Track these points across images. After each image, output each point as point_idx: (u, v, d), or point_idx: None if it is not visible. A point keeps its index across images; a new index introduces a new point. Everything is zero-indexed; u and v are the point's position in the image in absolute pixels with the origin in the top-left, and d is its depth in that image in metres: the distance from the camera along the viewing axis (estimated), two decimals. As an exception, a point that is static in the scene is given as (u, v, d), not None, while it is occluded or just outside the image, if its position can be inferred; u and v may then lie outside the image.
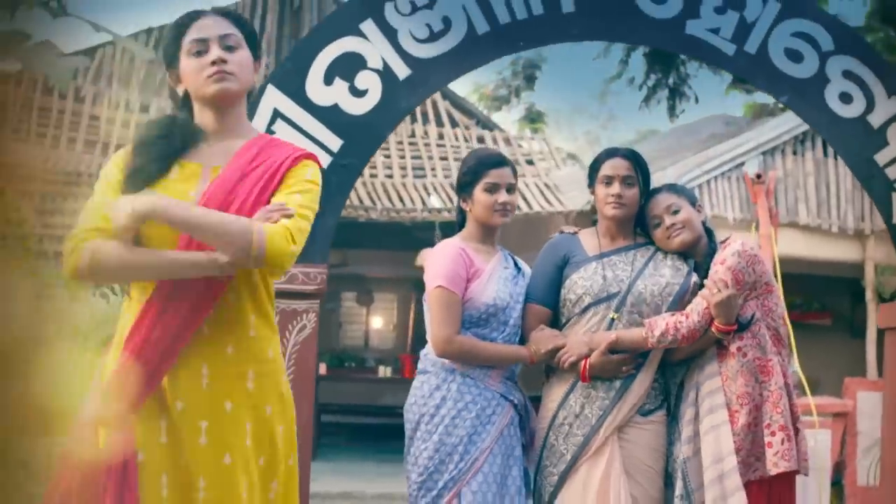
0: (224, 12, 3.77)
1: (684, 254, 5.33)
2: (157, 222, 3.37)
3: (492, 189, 5.16)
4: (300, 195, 3.56)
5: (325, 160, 5.57)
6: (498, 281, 5.16)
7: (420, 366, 5.23)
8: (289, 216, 3.46)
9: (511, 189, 5.22)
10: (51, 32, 5.50)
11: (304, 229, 3.51)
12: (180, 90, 3.76)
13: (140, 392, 3.37)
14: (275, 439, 3.58)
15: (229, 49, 3.65)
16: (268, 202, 3.52)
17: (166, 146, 3.61)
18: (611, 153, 5.38)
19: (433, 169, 16.60)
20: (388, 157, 16.46)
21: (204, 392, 3.45)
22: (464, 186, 5.26)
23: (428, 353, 5.17)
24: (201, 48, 3.66)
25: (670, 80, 20.35)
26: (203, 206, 3.45)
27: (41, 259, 6.76)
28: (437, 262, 5.14)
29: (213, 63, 3.62)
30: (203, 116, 3.68)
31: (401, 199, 15.69)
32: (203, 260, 3.38)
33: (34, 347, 6.22)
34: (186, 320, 3.44)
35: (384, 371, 20.30)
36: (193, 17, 3.73)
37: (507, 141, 17.83)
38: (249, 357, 3.53)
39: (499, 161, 5.24)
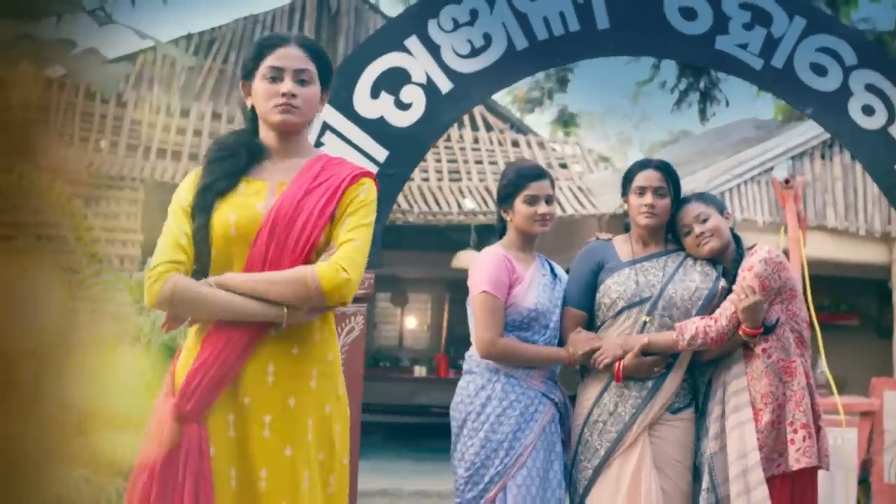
0: (305, 44, 3.95)
1: (713, 259, 5.51)
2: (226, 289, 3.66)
3: (532, 201, 5.36)
4: (350, 218, 3.79)
5: (372, 170, 5.71)
6: (538, 287, 5.36)
7: (465, 366, 5.42)
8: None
9: (550, 200, 5.40)
10: (95, 40, 5.67)
11: (355, 254, 3.73)
12: (249, 103, 3.96)
13: (215, 389, 3.62)
14: (332, 437, 3.79)
15: (301, 83, 3.85)
16: (330, 217, 3.77)
17: (234, 164, 3.84)
18: (643, 165, 5.57)
19: (468, 172, 16.69)
20: (424, 161, 16.55)
21: (269, 389, 3.67)
22: (505, 198, 5.45)
23: (472, 355, 5.36)
24: (276, 75, 3.85)
25: (701, 84, 20.40)
26: (273, 219, 3.71)
27: (90, 261, 7.01)
28: (482, 268, 5.34)
29: (283, 94, 3.82)
30: (267, 136, 3.90)
31: (437, 202, 15.80)
32: (272, 313, 3.64)
33: (88, 349, 6.46)
34: (261, 325, 3.68)
35: (419, 371, 20.43)
36: (277, 42, 3.91)
37: (541, 145, 17.85)
38: (313, 358, 3.76)
39: (538, 174, 5.43)
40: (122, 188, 14.79)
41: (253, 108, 3.96)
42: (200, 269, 3.74)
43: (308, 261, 3.72)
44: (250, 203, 3.78)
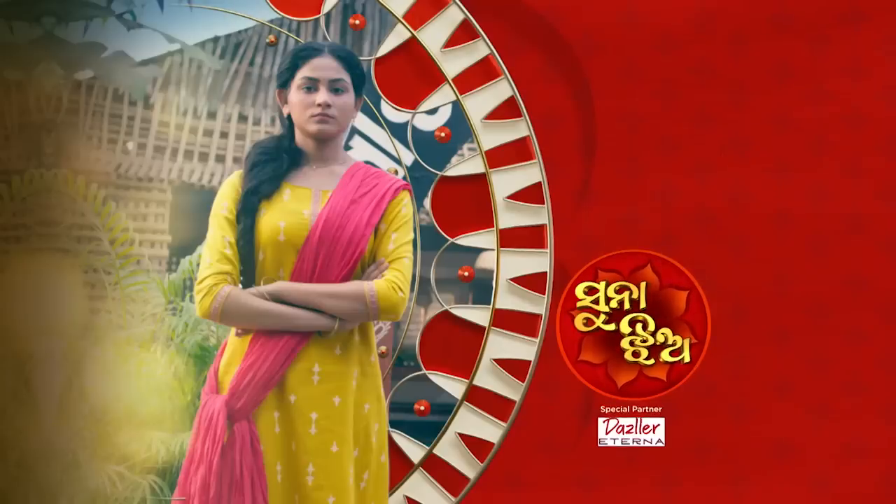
0: (339, 53, 3.97)
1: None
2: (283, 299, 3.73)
3: None
4: (396, 233, 3.85)
5: (399, 174, 5.85)
6: None
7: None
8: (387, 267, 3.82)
9: None
10: (124, 43, 5.71)
11: (407, 272, 3.83)
12: (285, 111, 3.98)
13: (264, 389, 3.71)
14: (369, 435, 3.85)
15: (336, 92, 3.88)
16: (375, 226, 3.83)
17: (276, 168, 3.88)
18: None
19: (491, 174, 16.71)
20: (445, 162, 16.47)
21: (315, 387, 3.74)
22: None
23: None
24: (311, 85, 3.87)
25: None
26: (322, 226, 3.75)
27: (124, 263, 7.08)
28: None
29: (319, 105, 3.85)
30: (305, 142, 3.94)
31: (459, 203, 15.82)
32: (324, 324, 3.72)
33: (122, 349, 6.58)
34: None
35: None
36: (311, 53, 3.93)
37: (565, 146, 17.80)
38: (354, 359, 3.82)
39: None
40: (151, 189, 14.84)
41: (289, 114, 3.98)
42: (244, 272, 3.83)
43: (354, 271, 3.81)
44: (298, 209, 3.84)
